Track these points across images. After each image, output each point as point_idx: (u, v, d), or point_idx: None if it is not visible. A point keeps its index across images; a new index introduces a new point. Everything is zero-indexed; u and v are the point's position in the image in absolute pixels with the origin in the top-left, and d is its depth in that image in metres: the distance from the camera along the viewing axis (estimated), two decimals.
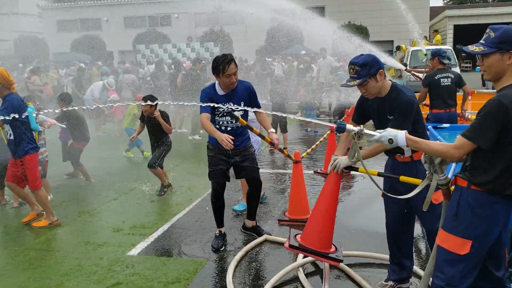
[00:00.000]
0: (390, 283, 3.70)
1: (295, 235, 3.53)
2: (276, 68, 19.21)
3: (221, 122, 4.57)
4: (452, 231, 2.55)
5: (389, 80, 3.31)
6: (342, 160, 3.28)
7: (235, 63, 4.41)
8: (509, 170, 2.43)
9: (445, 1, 60.58)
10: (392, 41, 33.06)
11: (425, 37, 20.72)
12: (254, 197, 4.94)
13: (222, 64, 4.34)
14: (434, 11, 40.02)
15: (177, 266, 4.36)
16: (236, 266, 4.26)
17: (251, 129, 4.65)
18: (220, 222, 4.88)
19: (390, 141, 2.59)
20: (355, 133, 2.85)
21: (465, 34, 33.87)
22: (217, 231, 4.88)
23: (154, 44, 30.30)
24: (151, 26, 34.77)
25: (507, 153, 2.41)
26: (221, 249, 4.67)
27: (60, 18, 36.85)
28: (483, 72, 2.53)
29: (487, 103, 2.41)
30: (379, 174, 3.25)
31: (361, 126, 2.84)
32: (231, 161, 4.69)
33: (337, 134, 2.86)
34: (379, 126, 3.40)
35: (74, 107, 6.15)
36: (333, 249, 3.41)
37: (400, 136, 2.57)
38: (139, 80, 15.48)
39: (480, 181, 2.48)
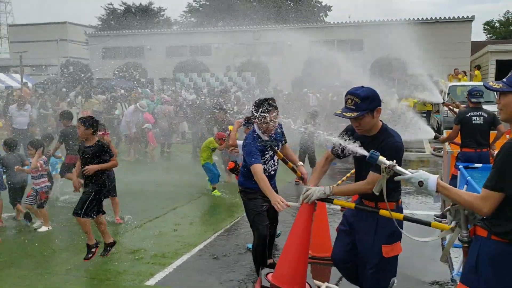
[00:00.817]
0: None
1: (267, 274, 3.45)
2: (311, 99, 19.27)
3: (266, 168, 4.39)
4: (472, 285, 2.37)
5: (380, 120, 3.25)
6: (315, 191, 3.21)
7: (277, 109, 4.29)
8: None
9: (488, 36, 59.72)
10: (431, 75, 32.72)
11: (464, 71, 20.38)
12: (271, 238, 4.72)
13: (267, 108, 4.20)
14: (477, 46, 39.43)
15: None
16: None
17: (287, 163, 4.62)
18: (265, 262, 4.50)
19: (421, 183, 2.47)
20: (385, 167, 2.69)
21: (508, 69, 33.16)
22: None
23: (193, 73, 31.03)
24: (192, 55, 35.65)
25: None
26: None
27: (105, 46, 38.29)
28: (499, 110, 2.42)
29: (502, 147, 2.29)
30: (356, 208, 3.15)
31: (394, 161, 2.68)
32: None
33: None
34: (359, 164, 3.37)
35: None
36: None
37: (432, 180, 2.45)
38: (176, 108, 15.82)
39: (501, 230, 2.29)
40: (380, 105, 3.17)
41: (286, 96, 20.36)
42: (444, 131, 11.79)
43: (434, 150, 12.82)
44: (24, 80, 29.76)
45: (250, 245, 5.66)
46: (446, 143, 7.44)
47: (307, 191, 3.24)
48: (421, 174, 2.49)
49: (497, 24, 62.73)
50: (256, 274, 4.44)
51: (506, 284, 2.27)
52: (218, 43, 34.66)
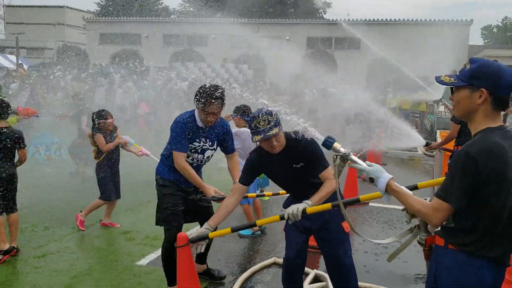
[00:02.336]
0: None
1: None
2: (307, 95, 19.31)
3: (190, 158, 3.91)
4: None
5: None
6: (298, 207, 3.04)
7: (223, 102, 3.79)
8: (491, 229, 2.07)
9: (486, 41, 60.03)
10: (426, 77, 32.87)
11: (455, 72, 20.53)
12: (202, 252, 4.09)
13: (207, 98, 3.70)
14: (474, 50, 39.63)
15: None
16: (241, 286, 4.28)
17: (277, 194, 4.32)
18: (174, 279, 3.63)
19: (371, 179, 2.26)
20: (340, 156, 2.43)
21: None
22: None
23: (190, 62, 30.96)
24: (189, 45, 35.57)
25: (487, 210, 2.06)
26: None
27: (102, 31, 38.08)
28: (453, 107, 2.24)
29: (455, 156, 2.09)
30: (333, 206, 3.02)
31: (349, 148, 2.45)
32: (189, 200, 4.01)
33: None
34: (284, 177, 3.40)
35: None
36: None
37: (381, 181, 2.21)
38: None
39: (457, 240, 2.13)
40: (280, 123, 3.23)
41: (282, 91, 20.39)
42: (438, 132, 11.88)
43: (426, 150, 12.94)
44: (19, 62, 29.54)
45: (243, 232, 5.73)
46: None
47: (288, 212, 3.06)
48: (375, 170, 2.26)
49: (495, 30, 63.08)
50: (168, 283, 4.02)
51: None
52: (215, 34, 34.60)
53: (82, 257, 4.90)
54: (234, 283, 4.29)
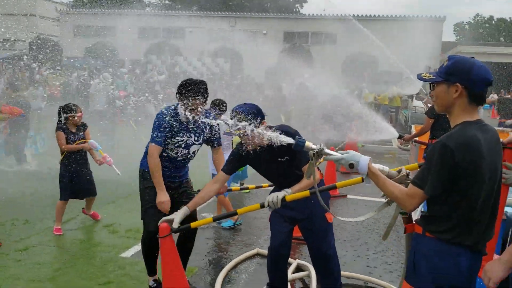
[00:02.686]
0: None
1: None
2: (284, 89, 19.41)
3: (174, 152, 3.84)
4: (412, 283, 2.32)
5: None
6: (278, 195, 3.13)
7: (206, 96, 3.74)
8: (466, 218, 2.16)
9: (458, 37, 61.20)
10: (401, 72, 33.37)
11: (429, 67, 20.97)
12: (187, 245, 4.06)
13: (194, 91, 3.65)
14: (447, 46, 40.35)
15: None
16: (225, 276, 4.35)
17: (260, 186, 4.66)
18: (154, 269, 3.99)
19: (351, 165, 2.30)
20: (314, 153, 2.45)
21: None
22: (152, 281, 4.00)
23: (166, 56, 30.72)
24: (165, 38, 35.27)
25: (463, 199, 2.15)
26: None
27: (76, 23, 37.45)
28: (433, 102, 2.35)
29: (433, 147, 2.19)
30: (310, 193, 3.08)
31: (321, 144, 2.48)
32: (171, 194, 3.91)
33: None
34: (269, 170, 3.48)
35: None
36: None
37: (363, 162, 2.27)
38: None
39: (434, 228, 2.21)
40: (264, 118, 3.28)
41: (258, 85, 20.46)
42: (413, 126, 12.12)
43: (401, 144, 13.18)
44: None
45: (225, 224, 5.80)
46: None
47: (269, 200, 3.14)
48: (352, 155, 2.31)
49: (467, 26, 64.37)
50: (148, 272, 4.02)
51: (439, 282, 2.21)
52: (192, 27, 34.38)
53: (64, 250, 4.89)
54: (218, 273, 4.35)
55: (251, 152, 3.34)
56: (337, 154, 2.37)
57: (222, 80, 21.41)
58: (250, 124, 3.01)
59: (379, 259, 4.87)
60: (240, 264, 4.68)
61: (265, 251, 4.91)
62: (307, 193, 3.07)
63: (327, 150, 2.43)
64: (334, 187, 3.09)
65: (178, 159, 3.88)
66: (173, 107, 3.80)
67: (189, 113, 3.62)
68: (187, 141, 3.84)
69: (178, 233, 3.74)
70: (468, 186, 2.12)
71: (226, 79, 23.04)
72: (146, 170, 3.86)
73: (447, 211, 2.17)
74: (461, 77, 2.18)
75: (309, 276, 4.21)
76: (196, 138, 3.89)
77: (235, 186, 5.23)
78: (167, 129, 3.71)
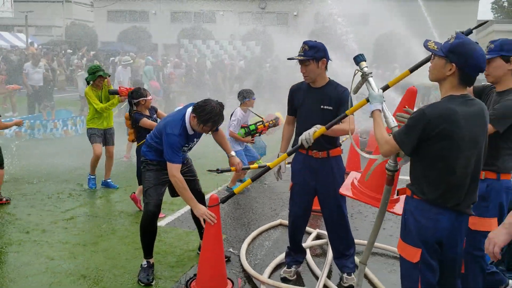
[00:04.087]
0: (293, 268, 4.04)
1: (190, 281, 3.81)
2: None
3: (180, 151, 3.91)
4: (404, 239, 2.61)
5: (328, 77, 3.69)
6: (309, 133, 3.41)
7: (220, 123, 3.85)
8: (445, 182, 2.45)
9: (496, 15, 59.25)
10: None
11: None
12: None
13: (213, 122, 3.73)
14: (483, 25, 39.34)
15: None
16: (250, 243, 4.75)
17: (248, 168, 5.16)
18: (150, 252, 4.05)
19: (368, 100, 2.86)
20: (362, 72, 2.97)
21: None
22: (145, 262, 4.04)
23: (198, 40, 31.11)
24: (196, 22, 35.63)
25: (441, 164, 2.45)
26: (152, 283, 3.90)
27: (110, 9, 38.21)
28: (429, 70, 2.59)
29: (415, 112, 2.52)
30: (259, 167, 3.52)
31: (371, 71, 2.97)
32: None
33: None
34: (309, 115, 3.67)
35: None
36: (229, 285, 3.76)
37: (372, 107, 2.79)
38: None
39: (420, 191, 2.53)
40: (326, 59, 3.61)
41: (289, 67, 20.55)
42: None
43: None
44: (29, 40, 29.88)
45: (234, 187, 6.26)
46: None
47: (302, 138, 3.43)
48: (373, 97, 2.81)
49: (506, 4, 62.12)
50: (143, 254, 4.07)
51: (427, 238, 2.50)
52: (223, 10, 34.63)
53: (106, 219, 5.38)
54: (244, 241, 4.75)
55: (302, 92, 3.74)
56: (372, 88, 2.86)
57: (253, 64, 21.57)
58: (309, 56, 3.52)
59: (381, 228, 5.17)
60: (264, 233, 5.07)
61: (287, 222, 5.30)
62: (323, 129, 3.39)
63: (370, 79, 2.92)
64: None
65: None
66: (180, 125, 3.78)
67: (201, 130, 3.79)
68: (191, 145, 4.05)
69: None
70: (445, 150, 2.42)
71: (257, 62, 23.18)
72: (148, 158, 4.01)
73: (430, 175, 2.47)
74: (460, 59, 2.42)
75: (327, 243, 4.56)
76: (198, 140, 4.08)
77: (253, 165, 5.62)
78: (181, 147, 3.81)
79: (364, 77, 2.92)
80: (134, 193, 5.76)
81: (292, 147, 3.63)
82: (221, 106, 3.76)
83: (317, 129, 3.39)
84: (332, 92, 3.63)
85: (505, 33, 36.18)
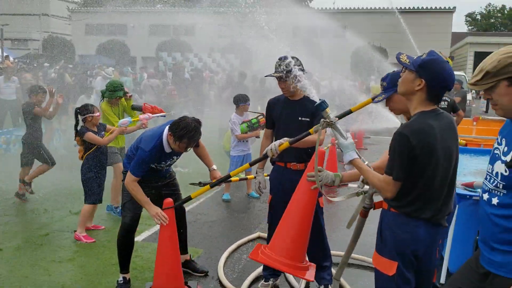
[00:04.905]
0: (271, 282, 4.05)
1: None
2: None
3: (156, 168, 3.98)
4: (380, 252, 2.62)
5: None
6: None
7: (197, 141, 3.88)
8: (423, 195, 2.47)
9: (469, 28, 60.78)
10: None
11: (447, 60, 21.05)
12: (181, 228, 4.30)
13: (189, 139, 3.69)
14: (457, 37, 40.29)
15: None
16: (228, 257, 4.74)
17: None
18: (127, 266, 4.09)
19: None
20: (327, 122, 2.77)
21: None
22: (121, 278, 4.06)
23: (177, 53, 31.13)
24: (175, 35, 35.68)
25: (420, 179, 2.46)
26: None
27: (88, 22, 38.03)
28: (398, 83, 2.58)
29: (393, 137, 2.48)
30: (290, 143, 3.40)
31: (336, 118, 2.80)
32: (155, 189, 4.10)
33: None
34: (287, 127, 3.75)
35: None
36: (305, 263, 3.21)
37: (346, 158, 2.65)
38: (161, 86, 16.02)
39: (397, 204, 2.52)
40: (304, 71, 3.64)
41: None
42: None
43: None
44: (4, 54, 29.50)
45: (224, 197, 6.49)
46: None
47: (268, 148, 3.38)
48: (345, 146, 2.66)
49: (478, 17, 63.83)
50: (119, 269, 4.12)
51: (403, 251, 2.51)
52: (202, 23, 34.72)
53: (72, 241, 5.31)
54: (221, 255, 4.74)
55: (280, 105, 3.83)
56: (341, 135, 2.70)
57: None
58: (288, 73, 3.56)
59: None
60: (243, 246, 5.07)
61: (265, 234, 5.30)
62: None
63: (338, 125, 2.75)
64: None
65: (160, 170, 4.06)
66: (158, 143, 3.78)
67: (178, 148, 3.76)
68: (170, 162, 4.05)
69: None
70: (425, 166, 2.43)
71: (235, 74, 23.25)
72: (127, 170, 3.92)
73: (407, 188, 2.46)
74: (428, 76, 2.45)
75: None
76: (177, 157, 4.08)
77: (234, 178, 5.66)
78: (152, 163, 3.84)
79: (331, 125, 2.76)
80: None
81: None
82: (197, 122, 3.72)
83: (283, 142, 3.39)
84: (309, 104, 3.68)
85: (478, 45, 37.20)
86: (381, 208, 2.69)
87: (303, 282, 4.01)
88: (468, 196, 4.03)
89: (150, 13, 36.98)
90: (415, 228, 2.50)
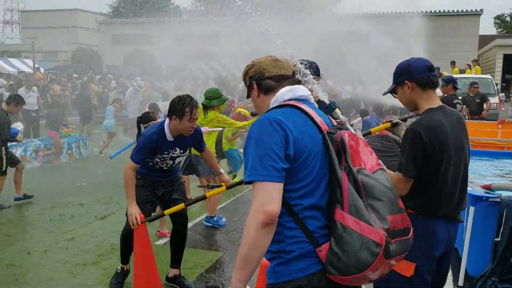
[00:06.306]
0: None
1: None
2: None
3: (159, 164, 4.03)
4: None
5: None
6: None
7: (195, 114, 3.83)
8: (439, 192, 2.48)
9: (499, 30, 59.54)
10: (438, 68, 32.97)
11: (468, 65, 20.76)
12: (180, 240, 4.30)
13: (190, 106, 3.73)
14: (485, 40, 39.51)
15: (196, 256, 4.97)
16: None
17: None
18: (127, 260, 4.32)
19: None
20: (338, 122, 2.71)
21: None
22: (119, 267, 4.34)
23: (201, 61, 31.46)
24: (200, 44, 36.07)
25: (434, 176, 2.46)
26: None
27: (115, 33, 38.84)
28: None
29: (404, 134, 2.53)
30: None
31: (346, 117, 2.81)
32: (159, 193, 4.19)
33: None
34: None
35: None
36: None
37: None
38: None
39: (412, 204, 2.49)
40: (319, 76, 3.69)
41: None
42: None
43: None
44: (36, 66, 30.43)
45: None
46: None
47: None
48: None
49: (508, 18, 62.44)
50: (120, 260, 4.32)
51: (423, 252, 2.47)
52: (226, 31, 35.06)
53: (106, 240, 5.47)
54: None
55: None
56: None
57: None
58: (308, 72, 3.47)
59: None
60: None
61: None
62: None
63: (348, 126, 2.67)
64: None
65: (164, 168, 4.09)
66: (159, 129, 3.84)
67: (191, 126, 3.79)
68: (172, 155, 4.01)
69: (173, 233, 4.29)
70: (439, 163, 2.45)
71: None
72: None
73: (422, 186, 2.47)
74: (403, 74, 2.60)
75: None
76: (181, 151, 4.06)
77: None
78: (152, 151, 3.84)
79: (341, 125, 2.74)
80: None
81: None
82: (187, 96, 3.81)
83: None
84: (323, 108, 3.71)
85: (507, 47, 36.40)
86: None
87: None
88: (484, 198, 4.01)
89: (175, 22, 37.53)
90: (435, 227, 2.49)
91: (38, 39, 35.47)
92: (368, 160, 1.89)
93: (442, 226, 2.51)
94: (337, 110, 2.84)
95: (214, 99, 5.97)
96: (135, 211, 3.74)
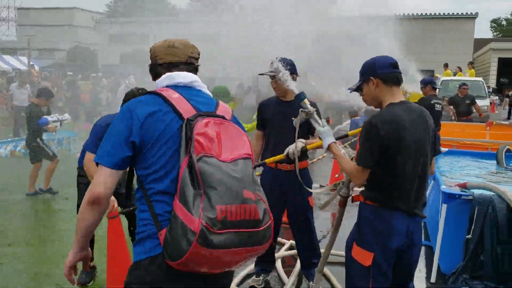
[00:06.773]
0: (262, 277, 4.15)
1: None
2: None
3: None
4: (357, 242, 2.67)
5: None
6: (295, 146, 3.49)
7: None
8: (394, 184, 2.54)
9: (495, 34, 59.73)
10: (433, 71, 33.05)
11: (458, 67, 20.81)
12: None
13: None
14: (481, 43, 39.61)
15: None
16: None
17: None
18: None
19: (319, 135, 2.85)
20: (305, 112, 2.96)
21: (510, 67, 33.50)
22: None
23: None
24: (197, 43, 36.07)
25: (390, 168, 2.52)
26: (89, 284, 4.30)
27: (112, 32, 38.82)
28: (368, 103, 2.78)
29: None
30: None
31: (314, 108, 2.99)
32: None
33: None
34: (282, 127, 3.80)
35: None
36: None
37: (326, 142, 2.78)
38: None
39: (371, 195, 2.61)
40: (296, 74, 3.77)
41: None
42: None
43: None
44: (31, 63, 30.36)
45: None
46: None
47: (289, 150, 3.55)
48: (322, 132, 2.82)
49: (504, 22, 62.59)
50: None
51: (380, 242, 2.57)
52: (224, 31, 35.07)
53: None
54: None
55: (273, 106, 3.92)
56: (320, 124, 2.88)
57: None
58: (285, 70, 3.48)
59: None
60: None
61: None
62: (320, 143, 3.37)
63: (316, 116, 2.94)
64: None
65: None
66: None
67: None
68: None
69: None
70: (395, 156, 2.51)
71: None
72: (80, 166, 4.24)
73: (378, 177, 2.55)
74: (369, 71, 2.66)
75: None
76: None
77: None
78: None
79: (309, 114, 2.96)
80: None
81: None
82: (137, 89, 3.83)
83: (303, 144, 3.55)
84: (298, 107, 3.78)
85: (502, 51, 36.52)
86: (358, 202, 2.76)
87: (293, 278, 4.13)
88: (457, 196, 4.09)
89: (172, 22, 37.51)
90: (392, 219, 2.55)
91: (35, 37, 35.37)
92: (228, 149, 1.88)
93: (399, 219, 2.55)
94: (305, 101, 2.98)
95: (224, 98, 5.98)
96: (114, 202, 3.74)
